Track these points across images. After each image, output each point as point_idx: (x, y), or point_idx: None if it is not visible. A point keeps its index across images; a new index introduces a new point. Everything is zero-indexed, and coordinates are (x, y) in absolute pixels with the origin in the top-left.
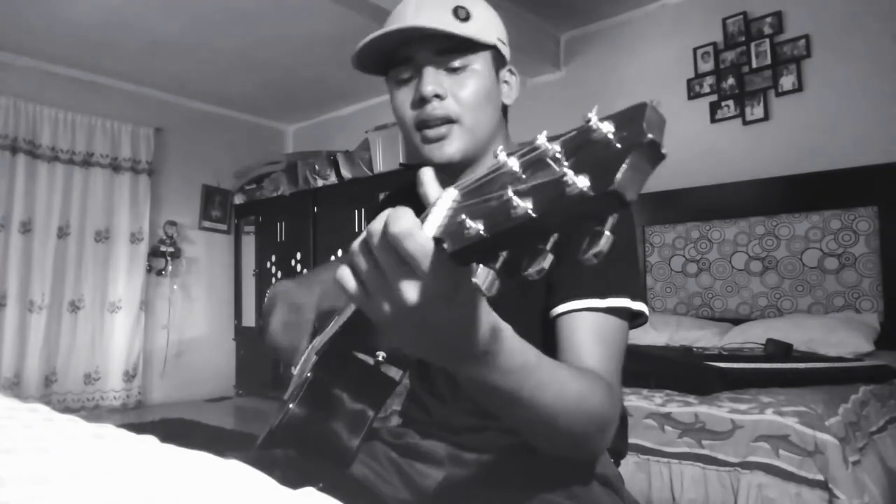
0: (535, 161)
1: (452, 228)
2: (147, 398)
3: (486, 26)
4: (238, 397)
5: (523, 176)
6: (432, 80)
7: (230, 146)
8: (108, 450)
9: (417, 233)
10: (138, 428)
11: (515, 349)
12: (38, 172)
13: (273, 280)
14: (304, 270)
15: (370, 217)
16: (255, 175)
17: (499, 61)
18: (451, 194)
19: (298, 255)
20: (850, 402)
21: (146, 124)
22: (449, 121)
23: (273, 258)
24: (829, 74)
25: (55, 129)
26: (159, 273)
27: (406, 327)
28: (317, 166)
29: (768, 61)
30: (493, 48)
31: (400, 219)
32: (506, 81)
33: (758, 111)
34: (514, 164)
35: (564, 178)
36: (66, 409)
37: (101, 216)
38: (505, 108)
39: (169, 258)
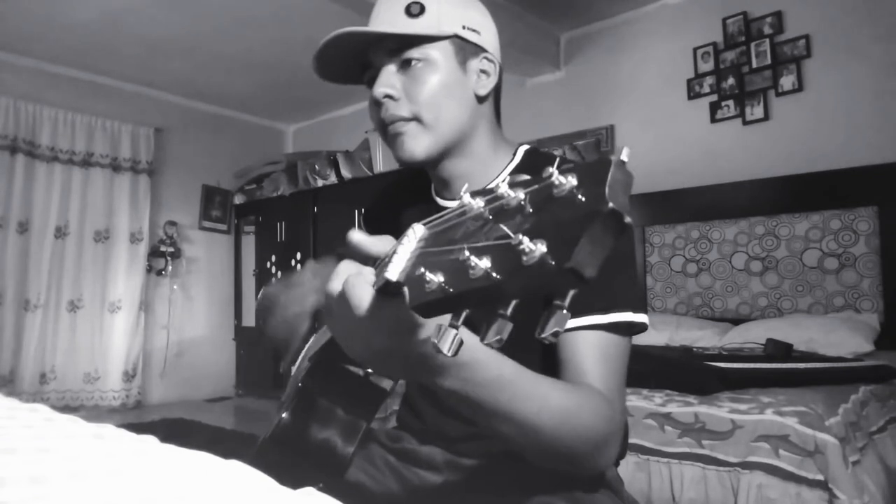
0: (498, 211)
1: (413, 279)
2: (147, 398)
3: (443, 17)
4: (238, 397)
5: (486, 227)
6: (383, 81)
7: (230, 146)
8: (108, 450)
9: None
10: (138, 428)
11: (483, 362)
12: (37, 172)
13: (273, 280)
14: None
15: (367, 220)
16: (255, 175)
17: (465, 51)
18: (419, 232)
19: (298, 255)
20: (850, 402)
21: (146, 124)
22: (407, 119)
23: (273, 258)
24: (829, 74)
25: (55, 129)
26: (159, 273)
27: (359, 350)
28: (317, 166)
29: (768, 61)
30: (453, 38)
31: (355, 287)
32: (483, 71)
33: (758, 111)
34: (478, 208)
35: (521, 246)
36: (66, 409)
37: (100, 216)
38: (488, 99)
39: (169, 258)
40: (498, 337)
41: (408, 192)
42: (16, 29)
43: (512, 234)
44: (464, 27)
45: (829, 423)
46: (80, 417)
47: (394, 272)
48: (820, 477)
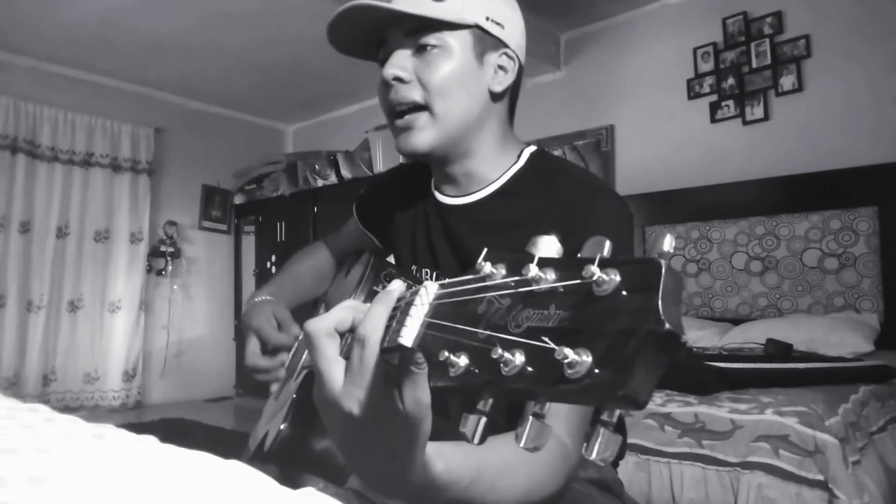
0: (527, 296)
1: (435, 360)
2: (147, 398)
3: (467, 5)
4: (238, 397)
5: (513, 311)
6: (395, 62)
7: (230, 146)
8: (108, 450)
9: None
10: (138, 428)
11: (454, 483)
12: (38, 172)
13: None
14: None
15: (360, 209)
16: (255, 175)
17: (484, 43)
18: (432, 292)
19: None
20: (850, 402)
21: (146, 124)
22: (417, 107)
23: (273, 258)
24: (829, 74)
25: (55, 129)
26: (159, 273)
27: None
28: (317, 166)
29: (768, 61)
30: (474, 28)
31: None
32: (501, 67)
33: (758, 111)
34: (502, 284)
35: (566, 360)
36: (66, 409)
37: (100, 216)
38: (503, 98)
39: (169, 258)
40: (536, 444)
41: (405, 185)
42: (16, 29)
43: (554, 345)
44: (487, 18)
45: (829, 423)
46: (79, 418)
47: (407, 337)
48: (820, 477)
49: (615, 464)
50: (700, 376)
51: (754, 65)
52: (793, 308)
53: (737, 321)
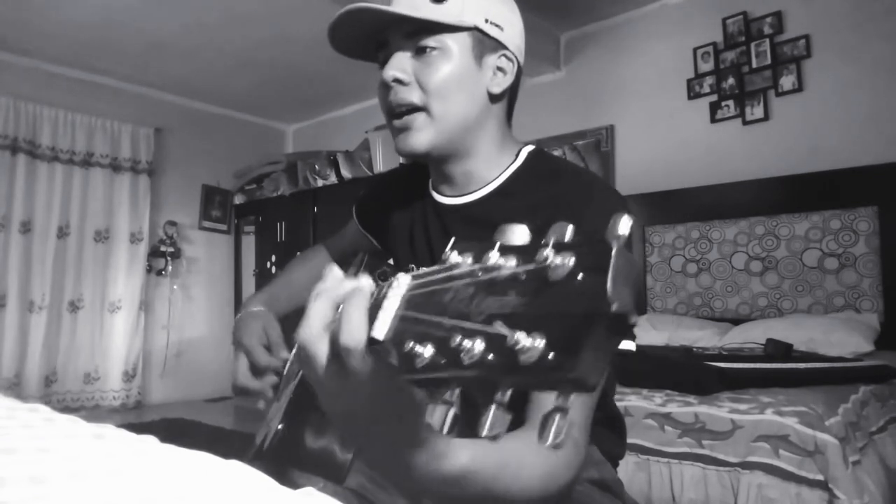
0: (489, 284)
1: (402, 349)
2: (147, 398)
3: (466, 7)
4: (238, 397)
5: (476, 299)
6: (394, 64)
7: (230, 146)
8: (108, 450)
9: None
10: (138, 428)
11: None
12: (38, 172)
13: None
14: None
15: (359, 211)
16: (255, 175)
17: (483, 45)
18: (404, 284)
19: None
20: (850, 402)
21: (146, 124)
22: (416, 108)
23: (273, 258)
24: (829, 74)
25: (55, 129)
26: (159, 273)
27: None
28: (317, 166)
29: (768, 61)
30: (473, 30)
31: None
32: (499, 68)
33: (758, 111)
34: (467, 273)
35: (518, 346)
36: (66, 409)
37: (100, 216)
38: (502, 100)
39: (169, 258)
40: (497, 432)
41: (404, 186)
42: (16, 29)
43: (508, 332)
44: (486, 21)
45: (829, 423)
46: (79, 418)
47: (380, 330)
48: (820, 477)
49: (615, 464)
50: (700, 376)
51: (754, 65)
52: (793, 308)
53: (737, 321)
